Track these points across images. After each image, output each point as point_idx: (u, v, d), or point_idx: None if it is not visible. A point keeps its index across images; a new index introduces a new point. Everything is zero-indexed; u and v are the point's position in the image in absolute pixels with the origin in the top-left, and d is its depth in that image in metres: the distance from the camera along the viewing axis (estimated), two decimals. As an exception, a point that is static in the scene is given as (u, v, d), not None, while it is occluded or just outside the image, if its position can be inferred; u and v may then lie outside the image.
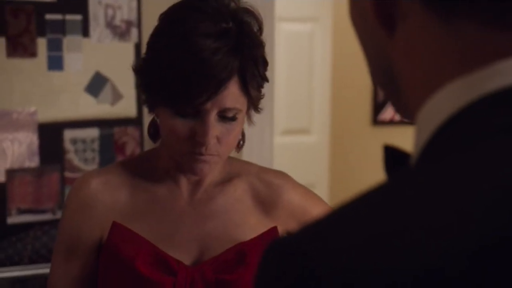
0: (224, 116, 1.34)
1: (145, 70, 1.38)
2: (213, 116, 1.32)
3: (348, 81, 5.07)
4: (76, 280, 1.48)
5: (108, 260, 1.44)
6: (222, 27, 1.31)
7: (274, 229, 1.49)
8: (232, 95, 1.33)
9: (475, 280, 0.48)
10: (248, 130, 3.02)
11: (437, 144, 0.57)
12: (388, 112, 5.16)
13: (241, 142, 1.47)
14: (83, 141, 2.59)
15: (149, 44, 1.39)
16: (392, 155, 0.63)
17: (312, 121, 5.00)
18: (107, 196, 1.45)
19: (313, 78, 4.97)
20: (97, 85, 2.60)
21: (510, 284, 0.48)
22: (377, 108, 5.14)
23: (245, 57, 1.33)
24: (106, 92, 2.61)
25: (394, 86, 0.65)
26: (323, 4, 4.91)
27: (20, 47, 2.48)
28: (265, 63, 1.39)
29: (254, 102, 1.40)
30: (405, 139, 5.13)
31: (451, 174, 0.53)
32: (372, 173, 5.18)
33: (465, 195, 0.51)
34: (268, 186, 1.51)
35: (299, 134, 4.96)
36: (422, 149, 0.59)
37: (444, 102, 0.58)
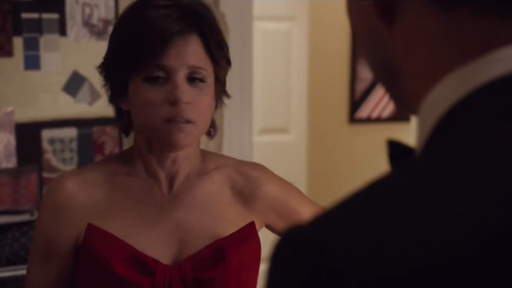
0: (193, 78, 1.37)
1: (109, 56, 1.43)
2: (181, 75, 1.36)
3: (325, 79, 5.08)
4: (54, 282, 1.46)
5: (85, 262, 1.43)
6: (173, 2, 1.39)
7: (252, 224, 1.48)
8: (196, 53, 1.37)
9: (490, 266, 0.48)
10: (226, 129, 3.03)
11: (442, 133, 0.58)
12: (365, 110, 5.17)
13: (212, 131, 1.48)
14: (61, 141, 2.57)
15: (110, 38, 1.46)
16: (396, 150, 0.63)
17: (289, 120, 5.00)
18: (83, 196, 1.44)
19: (290, 77, 4.98)
20: (75, 84, 2.58)
21: None
22: (354, 106, 5.15)
23: (201, 24, 1.39)
24: (84, 91, 2.59)
25: (393, 80, 0.66)
26: (300, 3, 4.92)
27: (-4, 47, 2.46)
28: (226, 46, 1.45)
29: (220, 73, 1.43)
30: (382, 136, 5.15)
31: (462, 161, 0.54)
32: (350, 170, 5.20)
33: (478, 182, 0.52)
34: (245, 178, 1.51)
35: (277, 133, 4.95)
36: (426, 139, 0.59)
37: (447, 91, 0.58)
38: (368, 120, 5.19)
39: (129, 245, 1.40)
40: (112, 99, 1.46)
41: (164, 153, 1.43)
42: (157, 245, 1.42)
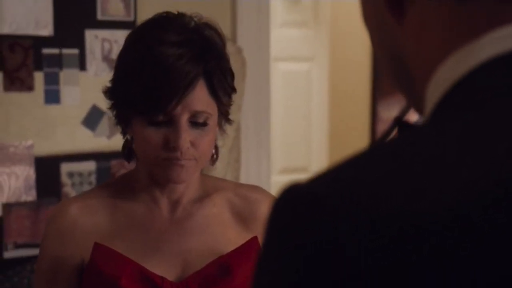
0: (196, 122, 1.38)
1: (116, 86, 1.43)
2: (184, 120, 1.36)
3: (346, 120, 5.09)
4: None
5: (92, 282, 1.43)
6: (185, 37, 1.37)
7: (255, 239, 1.49)
8: (201, 99, 1.37)
9: (494, 224, 0.49)
10: (244, 169, 3.04)
11: (446, 104, 0.59)
12: (386, 150, 5.17)
13: (215, 156, 1.49)
14: (80, 174, 2.60)
15: (117, 62, 1.46)
16: (402, 126, 0.65)
17: (310, 160, 5.00)
18: (86, 220, 1.46)
19: (311, 117, 5.00)
20: (94, 118, 2.61)
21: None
22: (375, 146, 5.14)
23: (210, 64, 1.38)
24: (103, 125, 2.63)
25: (404, 75, 0.67)
26: (320, 43, 4.96)
27: (17, 81, 2.50)
28: (231, 74, 1.45)
29: (223, 109, 1.44)
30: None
31: (464, 126, 0.55)
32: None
33: (486, 145, 0.53)
34: (245, 200, 1.53)
35: (297, 172, 4.95)
36: (430, 113, 0.60)
37: (449, 71, 0.60)
38: (390, 160, 5.18)
39: (136, 263, 1.42)
40: (118, 122, 1.48)
41: (165, 183, 1.46)
42: (161, 266, 1.44)
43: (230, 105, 1.46)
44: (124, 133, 1.49)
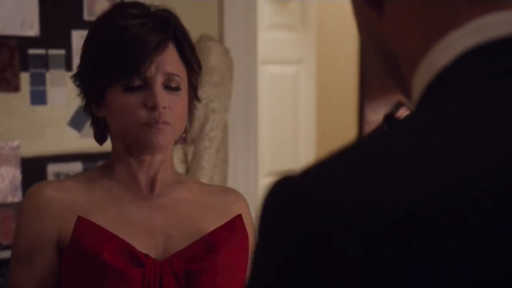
0: (169, 86, 1.43)
1: (85, 66, 1.48)
2: (159, 83, 1.42)
3: (333, 122, 5.10)
4: (39, 283, 1.46)
5: (73, 256, 1.43)
6: (146, 12, 1.46)
7: (239, 217, 1.52)
8: (172, 61, 1.44)
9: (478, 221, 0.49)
10: (232, 171, 3.03)
11: (429, 96, 0.59)
12: (374, 153, 5.18)
13: (183, 134, 1.52)
14: (67, 175, 2.58)
15: (83, 46, 1.51)
16: (392, 124, 0.65)
17: (298, 163, 5.01)
18: (63, 198, 1.46)
19: (298, 119, 5.00)
20: (80, 119, 2.59)
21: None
22: (363, 149, 5.16)
23: (175, 33, 1.45)
24: (90, 126, 2.61)
25: (393, 67, 0.68)
26: (307, 46, 4.97)
27: (3, 82, 2.49)
28: (195, 50, 1.51)
29: (194, 77, 1.50)
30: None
31: (449, 118, 0.55)
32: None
33: (460, 135, 0.53)
34: (221, 194, 1.58)
35: (285, 175, 4.95)
36: (416, 103, 0.61)
37: (433, 61, 0.60)
38: (377, 163, 5.19)
39: (119, 237, 1.42)
40: (87, 107, 1.51)
41: (143, 156, 1.47)
42: (140, 241, 1.44)
43: (199, 77, 1.52)
44: (94, 118, 1.52)
